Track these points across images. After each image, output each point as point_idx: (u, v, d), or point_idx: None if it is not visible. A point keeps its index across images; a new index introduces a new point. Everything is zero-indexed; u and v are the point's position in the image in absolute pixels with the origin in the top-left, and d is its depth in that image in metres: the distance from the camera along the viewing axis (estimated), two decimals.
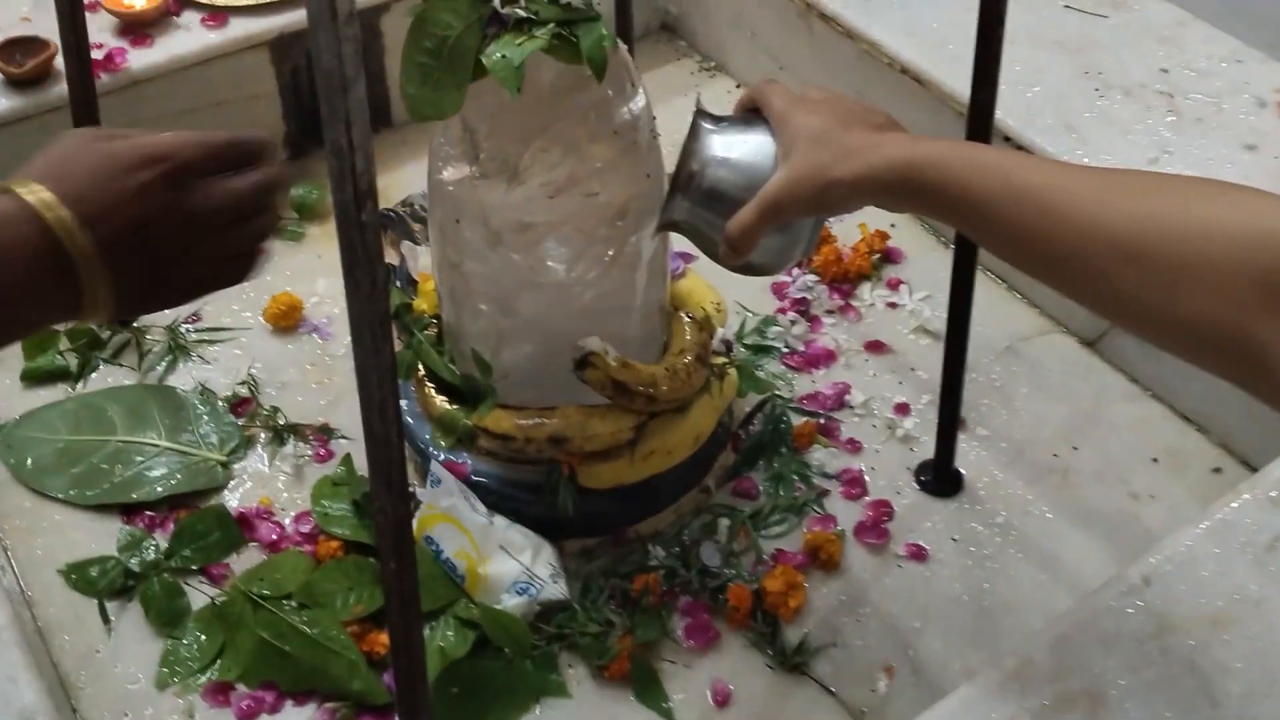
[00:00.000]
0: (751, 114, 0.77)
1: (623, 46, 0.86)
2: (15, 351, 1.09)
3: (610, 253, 0.87)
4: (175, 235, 0.54)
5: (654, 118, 0.87)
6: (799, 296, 1.17)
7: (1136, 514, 1.00)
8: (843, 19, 1.29)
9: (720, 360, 0.99)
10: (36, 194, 0.50)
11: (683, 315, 0.97)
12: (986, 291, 1.18)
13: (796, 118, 0.70)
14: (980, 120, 0.81)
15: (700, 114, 0.77)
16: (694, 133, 0.75)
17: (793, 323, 1.15)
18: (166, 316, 1.14)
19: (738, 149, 0.74)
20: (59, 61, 1.09)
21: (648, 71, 1.43)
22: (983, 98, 0.81)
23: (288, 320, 1.13)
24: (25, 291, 0.49)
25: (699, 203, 0.76)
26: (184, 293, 0.57)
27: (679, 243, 1.16)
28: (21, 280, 0.49)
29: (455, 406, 0.94)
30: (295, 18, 1.21)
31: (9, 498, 0.97)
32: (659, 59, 1.50)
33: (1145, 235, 0.52)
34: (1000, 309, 1.17)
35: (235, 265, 0.60)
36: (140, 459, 0.99)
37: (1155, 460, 1.04)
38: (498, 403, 0.92)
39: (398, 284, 1.07)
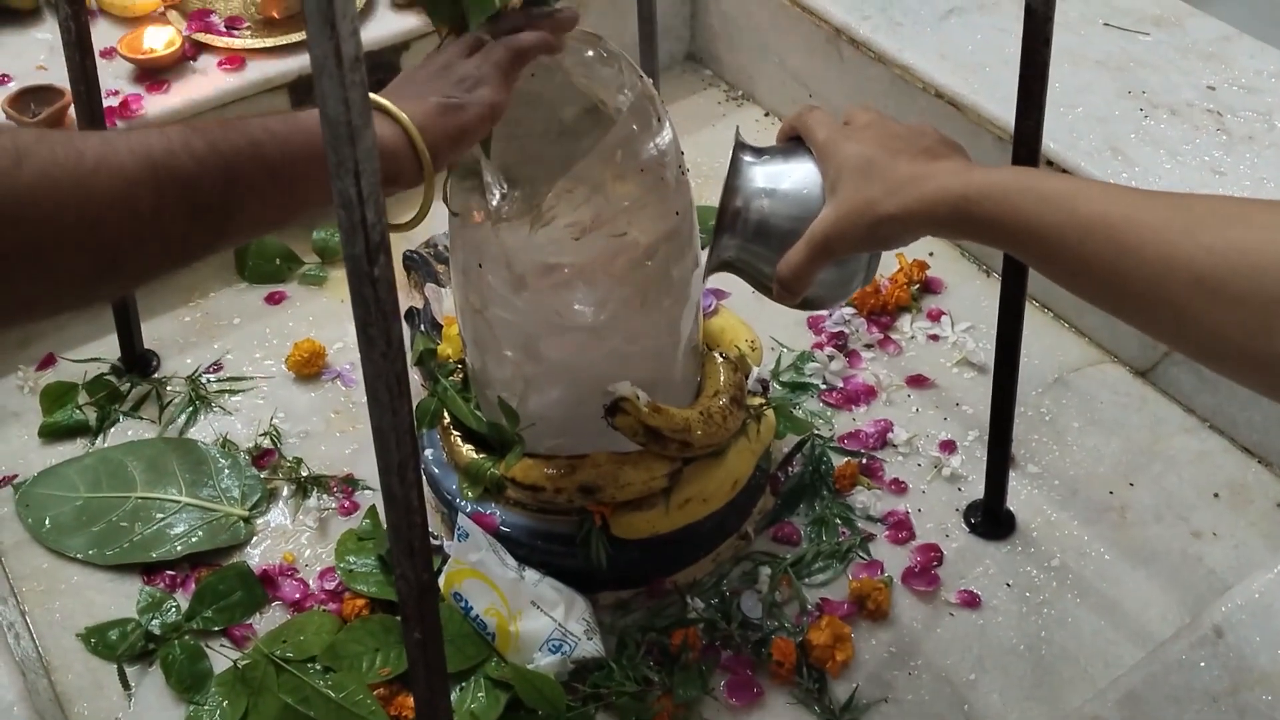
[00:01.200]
0: (794, 142, 0.74)
1: (648, 80, 0.83)
2: (33, 406, 1.07)
3: (640, 294, 0.84)
4: (452, 85, 0.70)
5: (682, 153, 0.84)
6: (836, 331, 1.13)
7: (1199, 554, 0.95)
8: (873, 44, 1.26)
9: (756, 401, 0.95)
10: (396, 114, 0.66)
11: (716, 355, 0.94)
12: (1032, 320, 1.13)
13: (841, 148, 0.66)
14: (1027, 148, 0.77)
15: (740, 146, 0.74)
16: (735, 167, 0.72)
17: (830, 358, 1.11)
18: (187, 366, 1.11)
19: (783, 180, 0.72)
20: (74, 112, 1.07)
21: (674, 102, 1.41)
22: (1028, 124, 0.77)
23: (310, 368, 1.11)
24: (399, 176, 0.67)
25: (748, 239, 0.73)
26: (480, 111, 0.70)
27: (712, 279, 1.13)
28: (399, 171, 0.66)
29: (482, 456, 0.90)
30: (306, 61, 1.19)
31: (27, 559, 0.95)
32: (685, 89, 1.47)
33: (1229, 269, 0.48)
34: (1047, 339, 1.12)
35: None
36: (160, 516, 0.96)
37: (1216, 496, 0.99)
38: (526, 451, 0.88)
39: (421, 328, 1.04)
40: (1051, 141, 1.08)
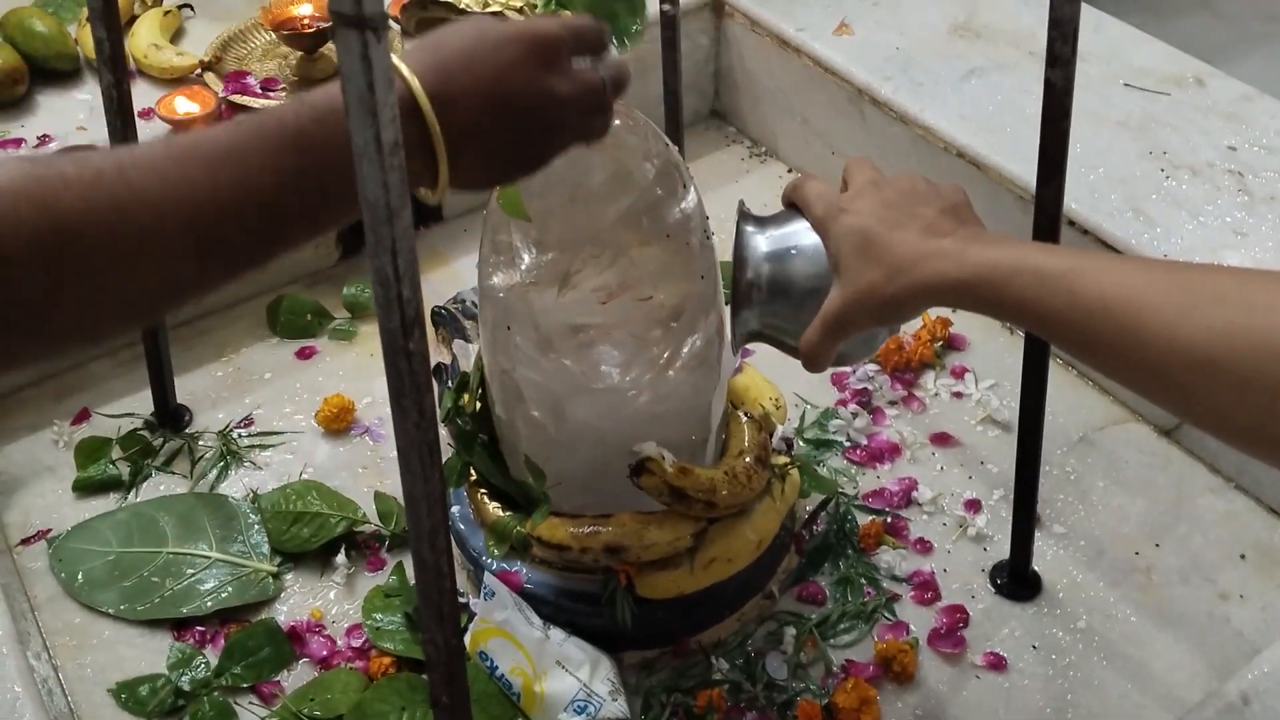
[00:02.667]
0: (794, 206, 0.75)
1: (673, 147, 0.85)
2: (68, 461, 1.08)
3: (665, 355, 0.85)
4: (530, 112, 0.60)
5: (706, 217, 0.85)
6: (860, 387, 1.14)
7: (1227, 615, 0.94)
8: (894, 104, 1.27)
9: (781, 460, 0.96)
10: (407, 75, 0.56)
11: (741, 415, 0.94)
12: (1056, 378, 1.13)
13: (837, 224, 0.67)
14: (1047, 216, 0.78)
15: (743, 217, 0.75)
16: (740, 239, 0.74)
17: (854, 415, 1.11)
18: (218, 421, 1.13)
19: (788, 242, 0.73)
20: None
21: (698, 159, 1.43)
22: (1049, 191, 0.78)
23: (339, 423, 1.12)
24: None
25: (765, 308, 0.74)
26: (526, 168, 0.64)
27: None
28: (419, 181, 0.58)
29: (508, 514, 0.91)
30: None
31: (60, 613, 0.96)
32: (709, 146, 1.49)
33: (1229, 351, 0.49)
34: (1072, 397, 1.12)
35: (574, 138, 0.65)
36: (191, 571, 0.97)
37: (1243, 557, 0.98)
38: (552, 510, 0.89)
39: (449, 384, 1.05)
40: (1073, 202, 1.09)
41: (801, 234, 0.72)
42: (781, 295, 0.73)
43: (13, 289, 0.50)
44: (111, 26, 0.86)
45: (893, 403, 1.13)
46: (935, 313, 1.20)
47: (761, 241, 0.74)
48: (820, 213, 0.69)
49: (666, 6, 1.01)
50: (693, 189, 0.84)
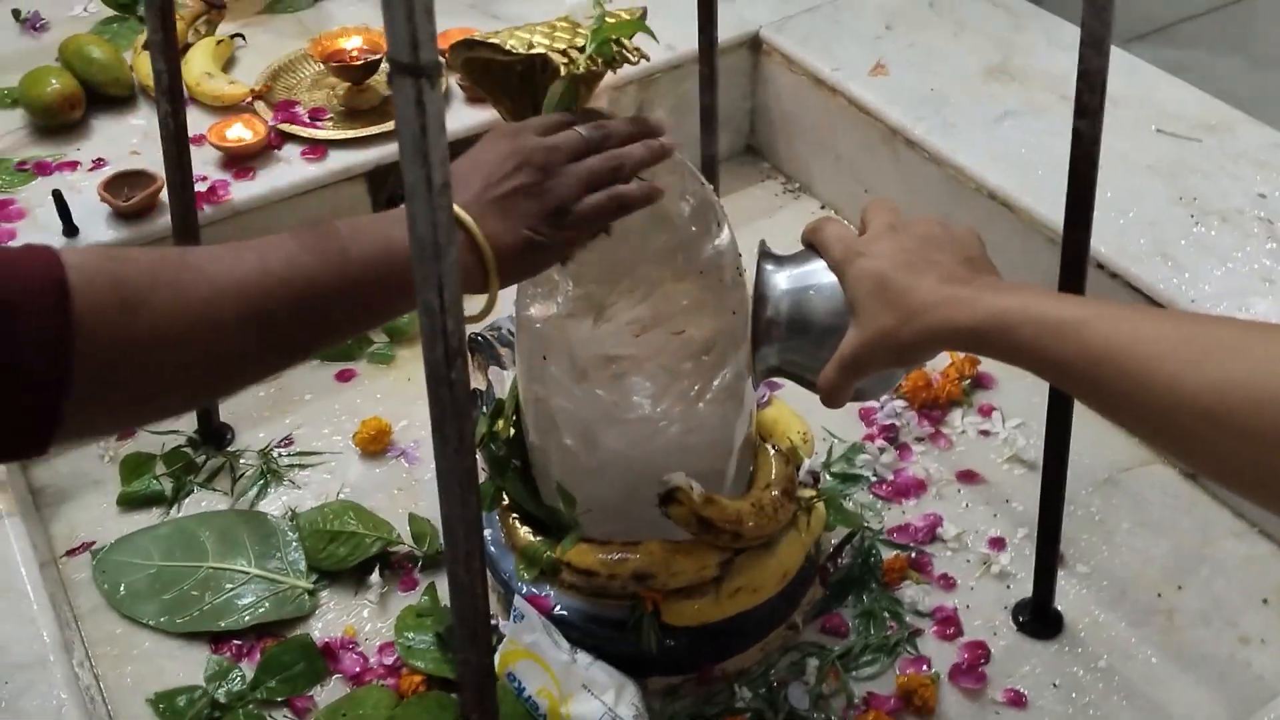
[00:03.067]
0: (813, 247, 0.77)
1: (709, 186, 0.87)
2: (113, 475, 1.12)
3: (696, 388, 0.87)
4: (545, 216, 0.69)
5: (739, 254, 0.88)
6: (887, 423, 1.15)
7: (1247, 660, 0.95)
8: (927, 144, 1.29)
9: (807, 493, 0.98)
10: (481, 244, 0.66)
11: (769, 447, 0.96)
12: (1082, 418, 1.14)
13: (854, 267, 0.69)
14: (1074, 262, 0.80)
15: (763, 256, 0.78)
16: (760, 277, 0.76)
17: (881, 450, 1.13)
18: (260, 440, 1.16)
19: (807, 280, 0.75)
20: (164, 195, 1.13)
21: (732, 193, 1.45)
22: (1076, 237, 0.80)
23: (376, 444, 1.15)
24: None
25: (785, 345, 0.76)
26: (561, 252, 0.72)
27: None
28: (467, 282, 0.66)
29: (539, 539, 0.93)
30: (385, 151, 1.26)
31: (101, 624, 0.99)
32: (743, 180, 1.51)
33: (1235, 404, 0.50)
34: (1097, 437, 1.13)
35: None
36: (230, 586, 1.00)
37: (1265, 602, 0.99)
38: (582, 535, 0.91)
39: (484, 409, 1.08)
40: (1101, 245, 1.11)
41: (820, 273, 0.74)
42: (800, 333, 0.75)
43: (85, 358, 0.55)
44: (170, 58, 0.90)
45: (920, 439, 1.15)
46: (964, 351, 1.21)
47: (781, 280, 0.76)
48: (838, 255, 0.71)
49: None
50: (726, 227, 0.86)
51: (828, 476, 1.10)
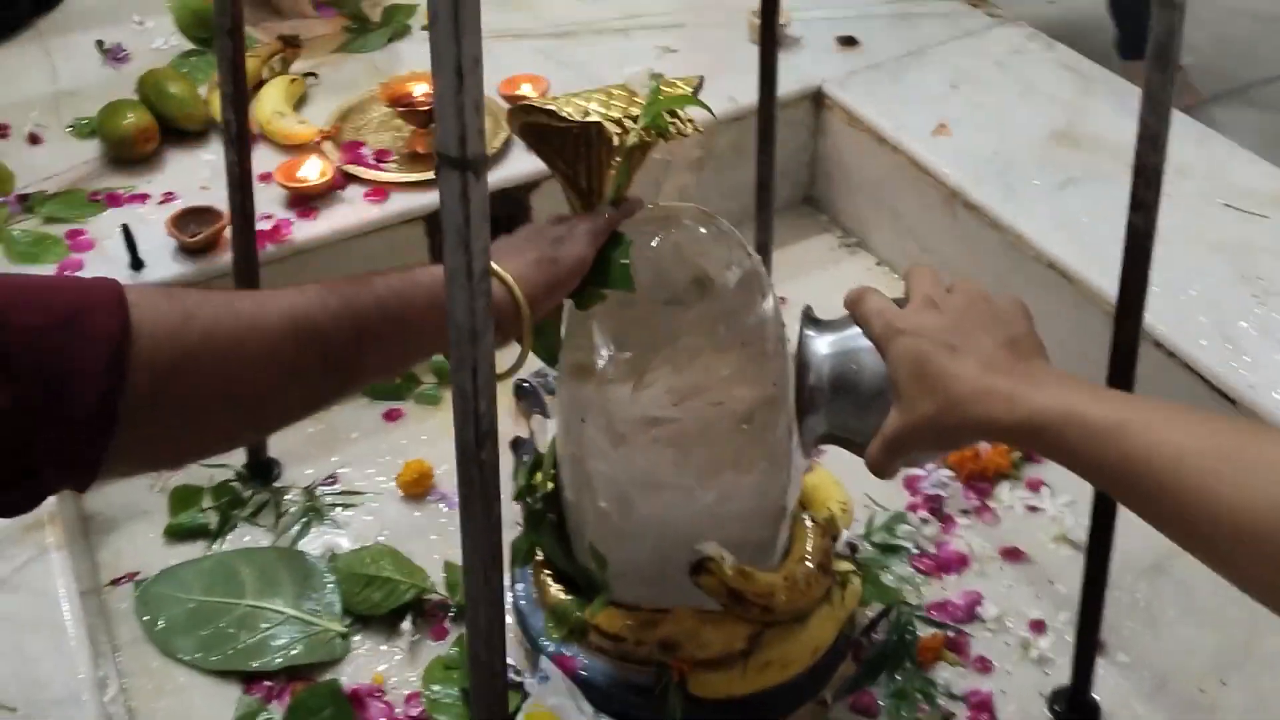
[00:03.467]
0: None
1: (756, 257, 0.87)
2: (161, 506, 1.14)
3: (733, 457, 0.87)
4: (554, 241, 0.79)
5: (783, 324, 0.87)
6: (932, 493, 1.14)
7: None
8: (987, 208, 1.28)
9: (844, 566, 0.96)
10: (501, 274, 0.74)
11: (806, 519, 0.95)
12: None
13: (895, 345, 0.68)
14: (1125, 355, 0.78)
15: (806, 321, 0.77)
16: (802, 344, 0.75)
17: (924, 521, 1.11)
18: (305, 477, 1.17)
19: (849, 343, 0.74)
20: (229, 232, 1.15)
21: (788, 245, 1.44)
22: (1126, 331, 0.78)
23: (418, 487, 1.16)
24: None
25: (831, 411, 0.75)
26: (574, 269, 0.79)
27: None
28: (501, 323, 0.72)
29: (570, 598, 0.93)
30: None
31: (139, 656, 1.00)
32: (800, 232, 1.50)
33: (1271, 528, 0.49)
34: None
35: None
36: (265, 625, 1.01)
37: None
38: (612, 598, 0.91)
39: (525, 459, 1.08)
40: (1160, 323, 1.08)
41: (861, 337, 0.73)
42: (845, 398, 0.74)
43: (142, 361, 0.59)
44: (239, 109, 0.92)
45: (965, 511, 1.13)
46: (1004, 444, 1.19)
47: (822, 345, 0.75)
48: (879, 331, 0.70)
49: None
50: (770, 297, 0.86)
51: (868, 546, 1.09)
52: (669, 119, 0.80)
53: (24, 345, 0.55)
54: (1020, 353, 0.67)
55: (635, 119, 0.80)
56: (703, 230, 0.85)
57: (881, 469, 0.72)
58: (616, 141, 0.78)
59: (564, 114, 0.80)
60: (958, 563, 1.08)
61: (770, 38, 1.08)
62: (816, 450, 0.97)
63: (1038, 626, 1.02)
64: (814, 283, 1.39)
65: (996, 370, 0.64)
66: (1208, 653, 1.00)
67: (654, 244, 0.84)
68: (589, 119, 0.79)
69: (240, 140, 0.94)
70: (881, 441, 0.70)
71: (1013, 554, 1.09)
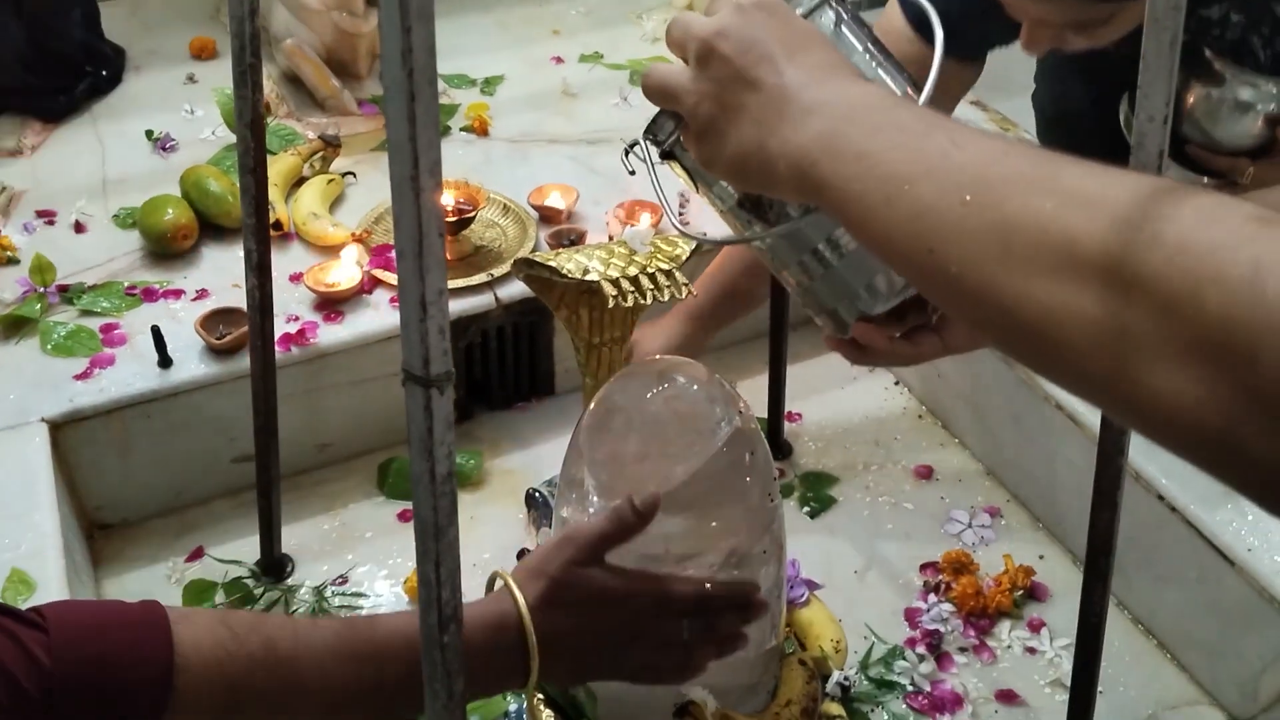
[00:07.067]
0: None
1: (750, 414, 0.88)
2: (176, 598, 1.17)
3: None
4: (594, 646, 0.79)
5: (775, 478, 0.89)
6: (932, 628, 1.14)
7: None
8: None
9: (832, 710, 0.97)
10: (519, 604, 0.75)
11: (795, 661, 0.96)
12: (1132, 647, 1.12)
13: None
14: (1102, 543, 0.79)
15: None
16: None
17: (921, 658, 1.11)
18: (319, 574, 1.20)
19: None
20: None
21: (801, 360, 1.43)
22: (1102, 527, 0.79)
23: None
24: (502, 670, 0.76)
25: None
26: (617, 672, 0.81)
27: (806, 569, 1.16)
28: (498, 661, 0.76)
29: None
30: (471, 303, 1.31)
31: None
32: (817, 347, 1.50)
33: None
34: (1146, 669, 1.10)
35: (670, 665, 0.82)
36: None
37: None
38: None
39: None
40: (1164, 478, 1.08)
41: None
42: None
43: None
44: (261, 240, 0.96)
45: (963, 649, 1.13)
46: (1019, 560, 1.19)
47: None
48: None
49: None
50: (760, 451, 0.88)
51: (864, 680, 1.09)
52: (666, 280, 0.83)
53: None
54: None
55: (633, 279, 0.83)
56: (695, 388, 0.87)
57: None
58: (612, 304, 0.81)
59: (564, 271, 0.83)
60: (952, 703, 1.08)
61: None
62: (807, 582, 0.97)
63: None
64: (830, 401, 1.40)
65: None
66: None
67: (649, 396, 0.86)
68: (587, 277, 0.82)
69: (261, 270, 0.98)
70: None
71: (1008, 696, 1.08)
